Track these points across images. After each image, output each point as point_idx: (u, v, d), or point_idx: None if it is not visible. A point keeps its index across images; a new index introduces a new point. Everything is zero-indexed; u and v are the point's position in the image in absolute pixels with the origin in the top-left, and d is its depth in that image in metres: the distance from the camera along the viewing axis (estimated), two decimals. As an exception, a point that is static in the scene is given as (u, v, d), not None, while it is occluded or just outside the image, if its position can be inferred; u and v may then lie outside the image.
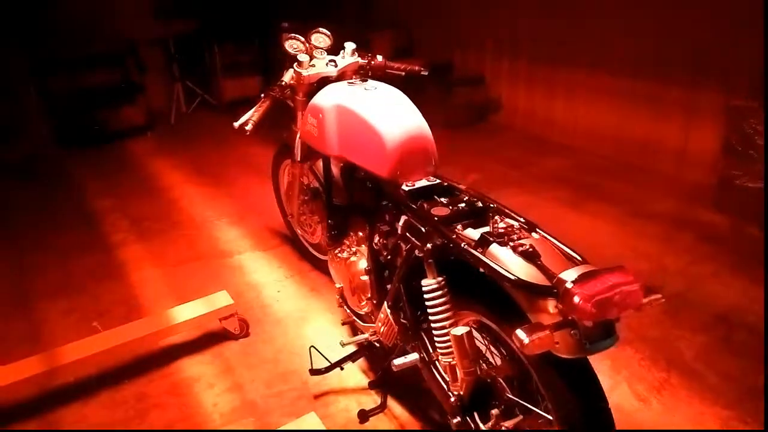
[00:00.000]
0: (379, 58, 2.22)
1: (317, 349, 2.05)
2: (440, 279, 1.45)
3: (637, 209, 3.33)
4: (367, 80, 1.94)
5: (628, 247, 2.95)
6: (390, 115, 1.66)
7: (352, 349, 2.13)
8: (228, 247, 3.13)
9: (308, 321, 2.46)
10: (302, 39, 2.17)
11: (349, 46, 2.18)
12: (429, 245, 1.44)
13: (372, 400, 1.97)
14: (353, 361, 2.10)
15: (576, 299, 1.06)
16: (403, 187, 1.61)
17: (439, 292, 1.44)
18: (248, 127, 2.05)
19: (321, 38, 2.21)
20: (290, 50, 2.12)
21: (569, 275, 1.12)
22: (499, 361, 1.47)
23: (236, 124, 2.12)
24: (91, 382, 2.13)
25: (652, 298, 1.15)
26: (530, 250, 1.24)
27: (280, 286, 2.73)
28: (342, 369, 2.06)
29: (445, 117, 5.02)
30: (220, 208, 3.63)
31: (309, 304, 2.58)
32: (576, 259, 1.25)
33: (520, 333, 1.08)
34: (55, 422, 1.98)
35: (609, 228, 3.16)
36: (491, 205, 1.48)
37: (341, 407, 1.97)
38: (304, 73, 2.08)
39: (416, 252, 1.51)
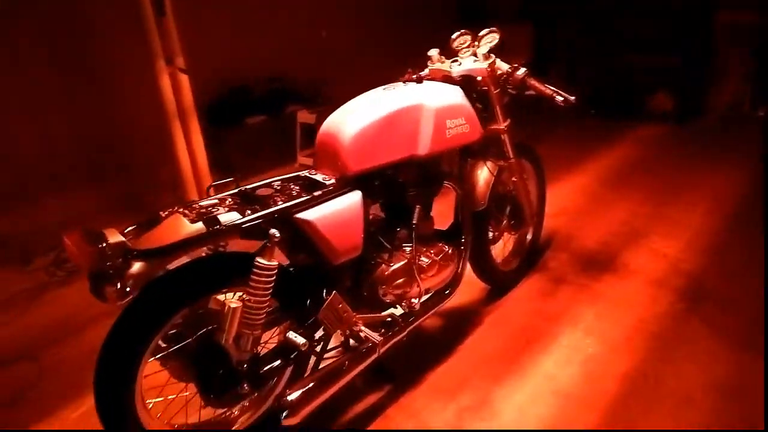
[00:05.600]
0: (520, 72, 2.03)
1: None
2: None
3: None
4: (422, 81, 1.87)
5: None
6: (347, 112, 1.68)
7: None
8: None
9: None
10: (471, 35, 2.14)
11: (481, 50, 2.03)
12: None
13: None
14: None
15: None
16: (308, 172, 1.66)
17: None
18: None
19: (490, 37, 2.10)
20: (454, 44, 2.13)
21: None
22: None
23: None
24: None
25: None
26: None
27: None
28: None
29: None
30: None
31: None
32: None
33: None
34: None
35: None
36: (270, 211, 1.43)
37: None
38: (429, 67, 2.08)
39: None
